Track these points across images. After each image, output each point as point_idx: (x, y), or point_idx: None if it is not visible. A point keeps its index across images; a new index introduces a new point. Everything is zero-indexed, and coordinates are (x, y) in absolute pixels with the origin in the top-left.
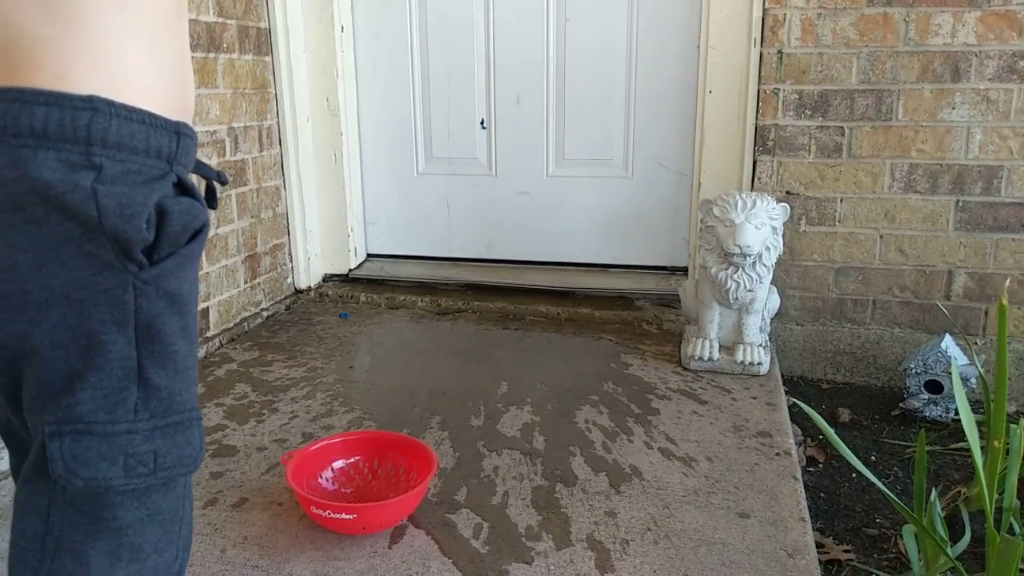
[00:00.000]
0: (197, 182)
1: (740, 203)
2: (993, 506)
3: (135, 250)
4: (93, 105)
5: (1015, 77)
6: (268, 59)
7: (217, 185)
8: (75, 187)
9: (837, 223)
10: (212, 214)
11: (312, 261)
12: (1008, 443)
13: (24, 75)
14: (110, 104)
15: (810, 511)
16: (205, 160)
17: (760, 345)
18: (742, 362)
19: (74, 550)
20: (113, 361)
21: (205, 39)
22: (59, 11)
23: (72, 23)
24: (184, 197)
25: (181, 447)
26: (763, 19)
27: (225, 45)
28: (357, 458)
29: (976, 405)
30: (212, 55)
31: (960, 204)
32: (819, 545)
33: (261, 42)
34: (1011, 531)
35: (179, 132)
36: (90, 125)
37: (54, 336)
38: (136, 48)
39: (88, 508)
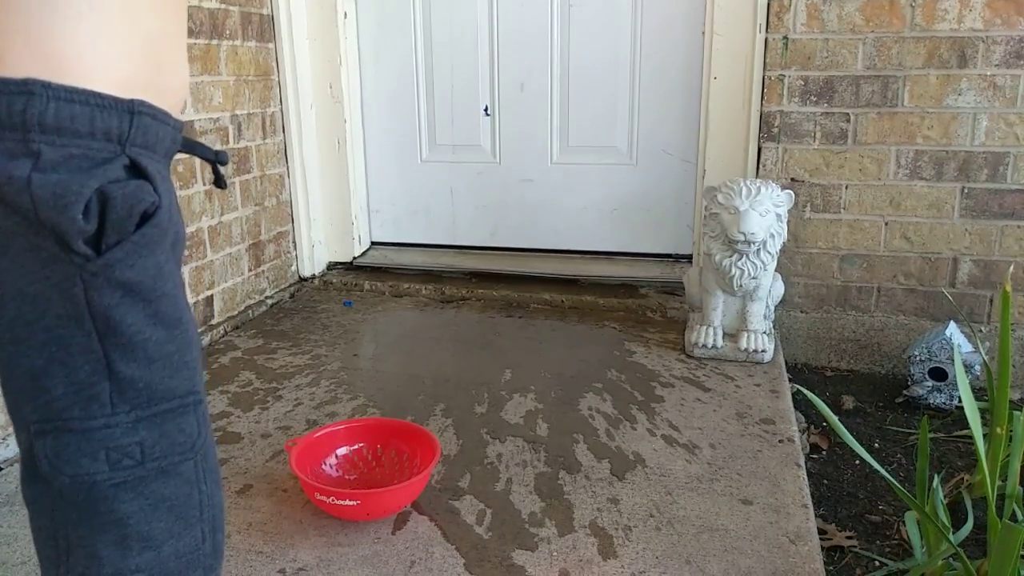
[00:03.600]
0: (187, 162)
1: (744, 190)
2: (995, 493)
3: (74, 241)
4: (28, 88)
5: (1022, 63)
6: (271, 46)
7: (221, 167)
8: (9, 179)
9: (842, 210)
10: (216, 202)
11: (316, 249)
12: (1011, 430)
13: None
14: (47, 86)
15: (813, 498)
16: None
17: (764, 332)
18: (746, 349)
19: (84, 545)
20: (76, 355)
21: (208, 26)
22: None
23: (11, 2)
24: (134, 180)
25: (171, 435)
26: (768, 5)
27: (228, 32)
28: (361, 445)
29: (981, 392)
30: (215, 42)
31: (966, 191)
32: (822, 532)
33: (264, 29)
34: (1013, 518)
35: (133, 111)
36: (25, 110)
37: (14, 332)
38: (83, 24)
39: (84, 503)
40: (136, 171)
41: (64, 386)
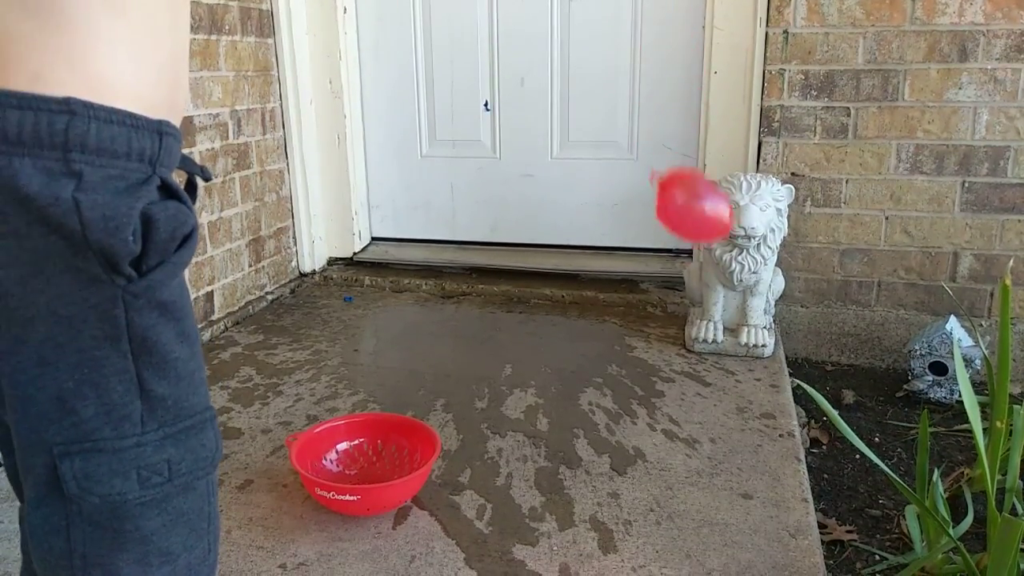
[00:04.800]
0: (177, 177)
1: (745, 185)
2: (995, 487)
3: (123, 264)
4: (70, 108)
5: (1023, 57)
6: (270, 41)
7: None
8: (56, 199)
9: (842, 205)
10: (216, 197)
11: (316, 245)
12: (1011, 424)
13: None
14: (88, 106)
15: (813, 492)
16: (208, 144)
17: (764, 327)
18: (746, 344)
19: (102, 564)
20: (110, 376)
21: (207, 21)
22: (40, 8)
23: (54, 21)
24: (171, 201)
25: (195, 451)
26: None
27: (227, 27)
28: (361, 440)
29: (982, 387)
30: (214, 37)
31: (966, 185)
32: (822, 526)
33: (263, 24)
34: (1013, 512)
35: (161, 131)
36: (67, 129)
37: (42, 354)
38: (123, 47)
39: (108, 522)
40: (167, 191)
41: (95, 407)
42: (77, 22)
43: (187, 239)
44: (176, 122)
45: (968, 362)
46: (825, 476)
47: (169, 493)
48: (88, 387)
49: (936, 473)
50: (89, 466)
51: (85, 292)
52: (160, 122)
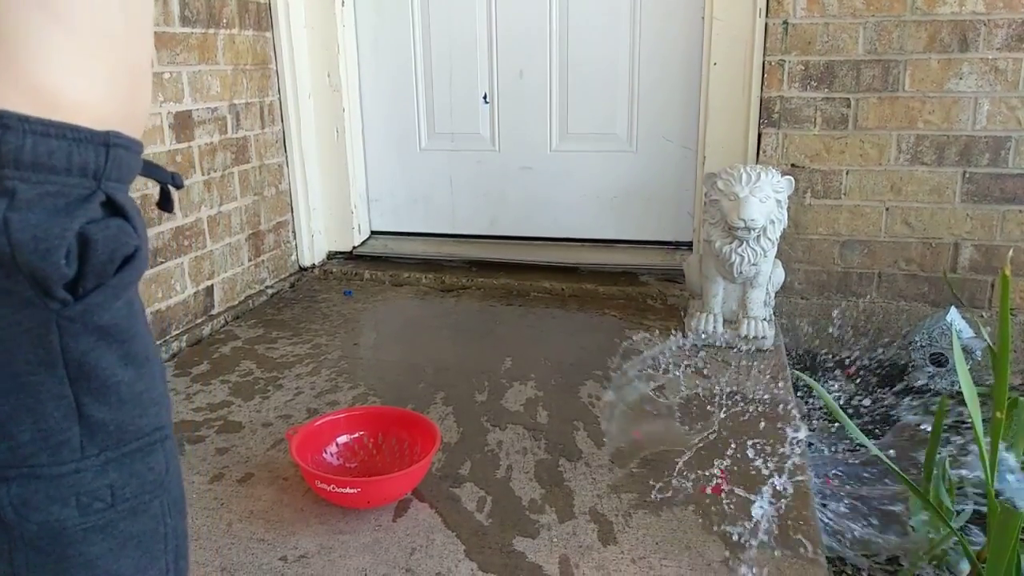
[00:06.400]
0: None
1: (745, 176)
2: (995, 478)
3: (55, 287)
4: (3, 122)
5: None
6: (268, 35)
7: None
8: None
9: (843, 196)
10: (215, 192)
11: (316, 239)
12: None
13: None
14: (23, 120)
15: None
16: (207, 138)
17: (764, 319)
18: (746, 336)
19: None
20: (47, 402)
21: (204, 14)
22: None
23: None
24: (114, 219)
25: (141, 475)
26: None
27: (225, 21)
28: (361, 433)
29: (983, 378)
30: (212, 31)
31: (967, 176)
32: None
33: (261, 17)
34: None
35: (108, 143)
36: (0, 145)
37: None
38: (66, 57)
39: (51, 548)
40: (112, 207)
41: (32, 432)
42: (15, 31)
43: (130, 260)
44: (135, 133)
45: (969, 353)
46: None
47: (113, 518)
48: (24, 412)
49: (940, 464)
50: (26, 492)
51: (18, 316)
52: (107, 134)
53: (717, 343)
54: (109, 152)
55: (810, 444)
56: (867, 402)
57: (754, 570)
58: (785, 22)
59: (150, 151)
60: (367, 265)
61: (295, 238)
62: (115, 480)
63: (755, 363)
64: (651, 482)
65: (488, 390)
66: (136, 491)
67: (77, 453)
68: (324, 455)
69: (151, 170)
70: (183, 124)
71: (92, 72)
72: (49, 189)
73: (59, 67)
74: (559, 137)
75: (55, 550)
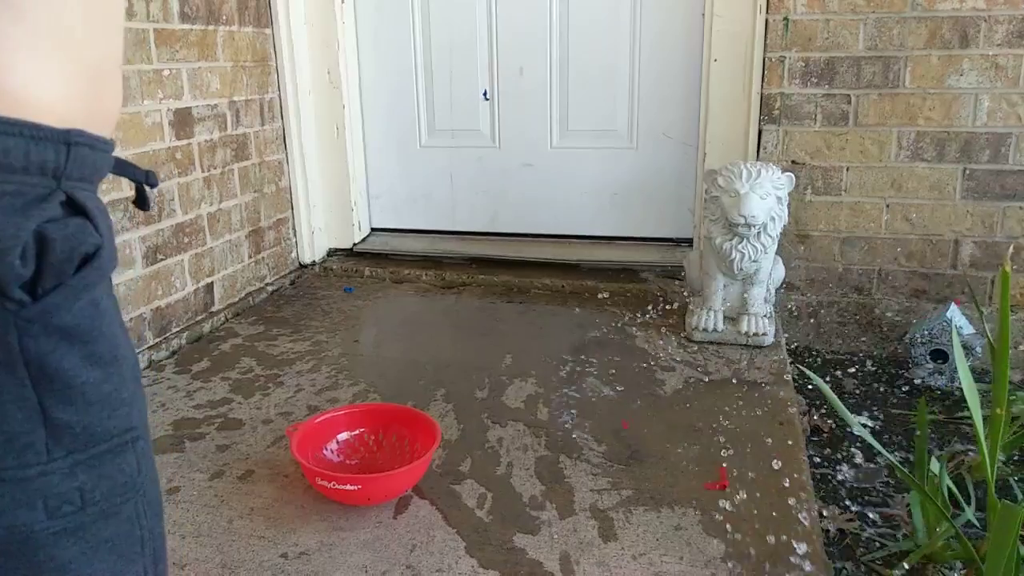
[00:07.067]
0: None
1: (745, 173)
2: (995, 474)
3: (10, 288)
4: None
5: None
6: (268, 31)
7: (149, 189)
8: None
9: (843, 192)
10: (215, 188)
11: (316, 235)
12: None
13: None
14: None
15: (813, 479)
16: (207, 135)
17: (765, 316)
18: (746, 333)
19: None
20: (8, 404)
21: (204, 11)
22: None
23: None
24: (75, 219)
25: (111, 477)
26: None
27: (224, 17)
28: (362, 430)
29: (983, 374)
30: (211, 27)
31: (967, 172)
32: (822, 513)
33: (261, 14)
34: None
35: (69, 142)
36: None
37: None
38: (23, 54)
39: (20, 552)
40: (74, 207)
41: None
42: None
43: (91, 259)
44: (103, 131)
45: (969, 349)
46: (826, 464)
47: (84, 522)
48: None
49: (940, 461)
50: None
51: None
52: (68, 132)
53: (717, 340)
54: (70, 151)
55: (810, 440)
56: (867, 398)
57: (754, 567)
58: (786, 18)
59: (150, 148)
60: (367, 262)
61: (295, 235)
62: (84, 483)
63: (756, 359)
64: (651, 478)
65: (488, 387)
66: (107, 493)
67: (43, 456)
68: (325, 452)
69: (124, 169)
70: (183, 121)
71: (52, 69)
72: (6, 188)
73: (21, 67)
74: (559, 134)
75: (24, 554)
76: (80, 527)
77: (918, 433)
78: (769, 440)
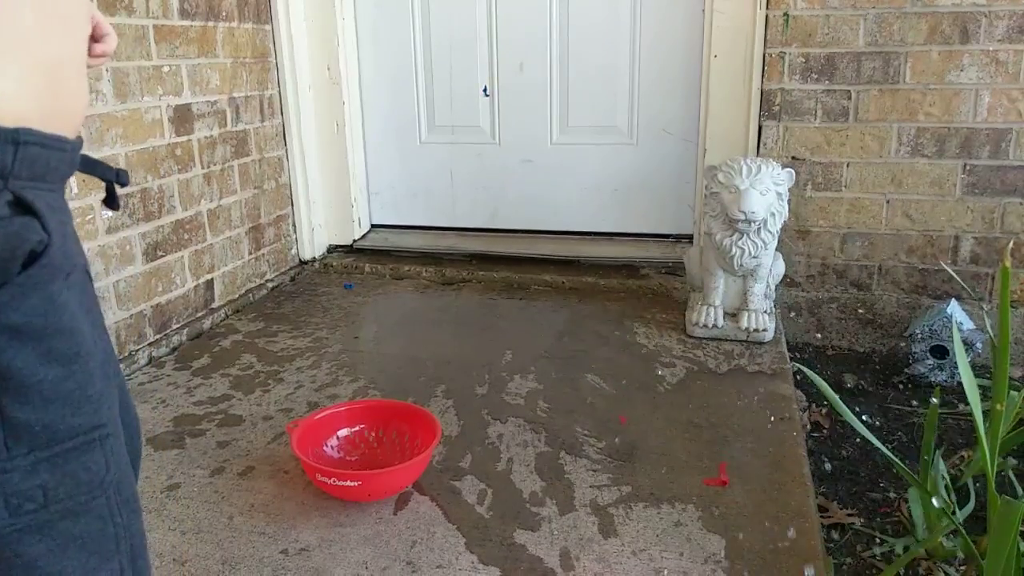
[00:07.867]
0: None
1: (745, 169)
2: (995, 470)
3: None
4: None
5: None
6: (268, 27)
7: (119, 188)
8: None
9: (843, 188)
10: (215, 185)
11: (316, 232)
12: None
13: None
14: None
15: (813, 476)
16: (207, 131)
17: (765, 312)
18: (747, 329)
19: None
20: None
21: (204, 7)
22: None
23: None
24: (20, 217)
25: (75, 475)
26: None
27: (224, 13)
28: (362, 426)
29: (984, 370)
30: (211, 24)
31: (968, 168)
32: (822, 509)
33: (260, 10)
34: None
35: (17, 140)
36: None
37: None
38: None
39: None
40: (22, 206)
41: None
42: None
43: (39, 257)
44: (64, 130)
45: (969, 345)
46: (825, 460)
47: (48, 519)
48: None
49: (938, 456)
50: None
51: None
52: (16, 131)
53: (718, 335)
54: (18, 150)
55: (810, 436)
56: (867, 394)
57: (754, 563)
58: (786, 14)
59: (150, 144)
60: (367, 258)
61: (295, 231)
62: (47, 480)
63: (756, 355)
64: (651, 474)
65: (489, 383)
66: (71, 491)
67: (3, 454)
68: (325, 448)
69: (94, 167)
70: (183, 117)
71: (2, 69)
72: None
73: None
74: (560, 130)
75: None
76: (45, 525)
77: (924, 431)
78: (769, 436)
